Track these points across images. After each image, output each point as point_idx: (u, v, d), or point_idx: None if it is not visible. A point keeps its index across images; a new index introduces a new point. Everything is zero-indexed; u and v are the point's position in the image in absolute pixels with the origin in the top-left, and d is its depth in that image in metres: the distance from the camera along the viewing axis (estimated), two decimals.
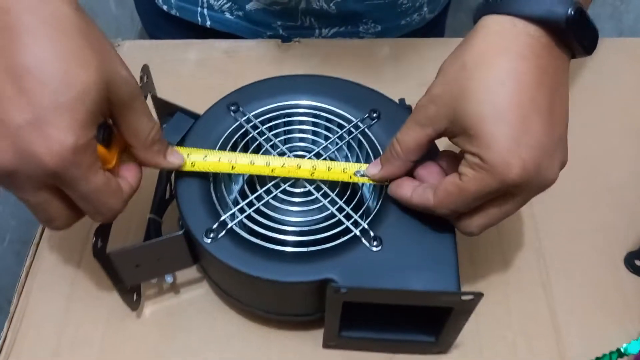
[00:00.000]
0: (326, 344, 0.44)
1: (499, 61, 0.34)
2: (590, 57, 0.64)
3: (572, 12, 0.33)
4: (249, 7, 0.65)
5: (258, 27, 0.67)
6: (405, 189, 0.40)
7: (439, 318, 0.40)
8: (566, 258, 0.50)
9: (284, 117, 0.46)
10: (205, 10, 0.67)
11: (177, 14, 0.69)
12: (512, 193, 0.36)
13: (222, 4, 0.66)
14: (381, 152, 0.44)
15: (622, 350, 0.41)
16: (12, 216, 0.91)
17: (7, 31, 0.30)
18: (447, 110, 0.36)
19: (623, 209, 0.53)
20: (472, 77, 0.35)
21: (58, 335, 0.45)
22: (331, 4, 0.63)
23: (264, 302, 0.43)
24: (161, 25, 0.73)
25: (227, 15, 0.67)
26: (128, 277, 0.42)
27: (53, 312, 0.46)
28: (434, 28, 0.75)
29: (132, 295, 0.45)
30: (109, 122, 0.36)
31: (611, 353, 0.41)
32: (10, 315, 0.47)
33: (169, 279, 0.46)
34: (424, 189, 0.39)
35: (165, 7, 0.69)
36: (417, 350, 0.44)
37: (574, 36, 0.35)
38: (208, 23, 0.68)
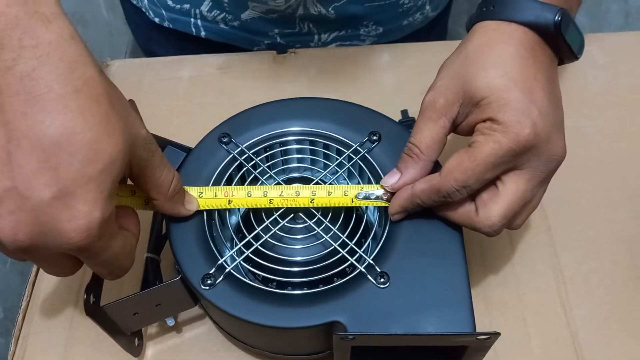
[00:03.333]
0: None
1: (500, 46, 0.36)
2: (603, 53, 0.61)
3: (560, 18, 0.36)
4: (244, 16, 0.62)
5: (255, 36, 0.65)
6: (406, 191, 0.39)
7: (456, 351, 0.38)
8: (586, 274, 0.47)
9: (279, 147, 0.44)
10: (199, 22, 0.65)
11: (170, 26, 0.66)
12: (523, 165, 0.35)
13: (215, 15, 0.63)
14: (383, 177, 0.42)
15: None
16: None
17: (34, 100, 0.27)
18: (456, 95, 0.37)
19: None
20: (477, 60, 0.36)
21: None
22: (330, 9, 0.61)
23: (269, 344, 0.42)
24: (154, 38, 0.71)
25: (222, 25, 0.64)
26: (127, 326, 0.41)
27: None
28: (436, 26, 0.71)
29: (133, 340, 0.43)
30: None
31: None
32: None
33: (170, 322, 0.44)
34: (426, 178, 0.38)
35: (157, 20, 0.67)
36: None
37: (563, 40, 0.37)
38: (203, 34, 0.66)
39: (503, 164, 0.35)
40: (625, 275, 0.47)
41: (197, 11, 0.63)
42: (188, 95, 0.61)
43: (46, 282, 0.49)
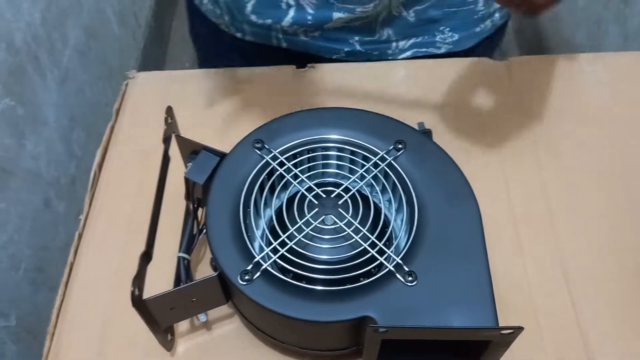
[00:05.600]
0: None
1: None
2: (606, 71, 0.64)
3: None
4: (326, 26, 0.65)
5: (335, 45, 0.67)
6: None
7: (478, 348, 0.40)
8: (594, 279, 0.50)
9: (310, 152, 0.46)
10: (280, 34, 0.67)
11: (252, 39, 0.69)
12: None
13: (295, 29, 0.66)
14: (409, 184, 0.44)
15: None
16: (26, 245, 0.91)
17: None
18: None
19: None
20: None
21: None
22: (410, 11, 0.64)
23: (300, 339, 0.44)
24: (225, 53, 0.73)
25: (302, 37, 0.67)
26: (163, 319, 0.43)
27: (86, 356, 0.47)
28: (501, 34, 0.74)
29: (166, 336, 0.45)
30: None
31: None
32: (44, 358, 0.47)
33: (202, 317, 0.46)
34: None
35: (239, 35, 0.69)
36: None
37: None
38: (284, 44, 0.68)
39: None
40: (631, 280, 0.50)
41: (279, 26, 0.66)
42: (212, 107, 0.63)
43: (78, 283, 0.51)
